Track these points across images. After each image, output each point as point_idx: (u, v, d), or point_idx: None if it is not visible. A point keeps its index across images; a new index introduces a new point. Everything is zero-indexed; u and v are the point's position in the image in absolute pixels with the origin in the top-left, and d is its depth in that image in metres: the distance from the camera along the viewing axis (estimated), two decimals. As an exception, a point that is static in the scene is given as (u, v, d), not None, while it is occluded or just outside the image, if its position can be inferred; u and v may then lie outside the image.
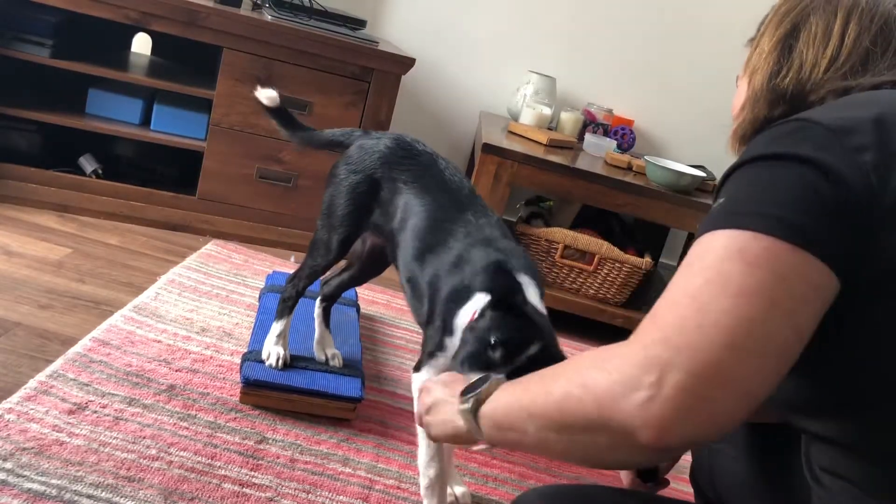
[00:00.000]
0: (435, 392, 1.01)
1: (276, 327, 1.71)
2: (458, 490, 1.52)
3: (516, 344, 1.15)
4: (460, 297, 1.31)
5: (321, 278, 1.77)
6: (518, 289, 1.27)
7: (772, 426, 1.07)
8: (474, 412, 0.86)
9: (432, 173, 1.53)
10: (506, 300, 1.22)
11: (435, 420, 0.98)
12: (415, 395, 1.37)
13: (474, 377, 0.95)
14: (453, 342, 1.31)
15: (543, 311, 1.29)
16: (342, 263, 1.73)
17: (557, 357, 1.17)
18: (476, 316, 1.25)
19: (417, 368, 1.41)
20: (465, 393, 0.90)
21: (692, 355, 0.66)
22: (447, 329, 1.32)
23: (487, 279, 1.29)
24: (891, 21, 0.90)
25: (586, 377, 0.72)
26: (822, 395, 0.78)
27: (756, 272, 0.68)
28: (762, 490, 1.08)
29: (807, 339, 0.70)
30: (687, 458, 1.25)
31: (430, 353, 1.37)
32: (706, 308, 0.67)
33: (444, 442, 0.96)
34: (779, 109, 0.92)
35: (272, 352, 1.68)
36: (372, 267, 1.77)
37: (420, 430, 1.34)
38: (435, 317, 1.37)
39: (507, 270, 1.30)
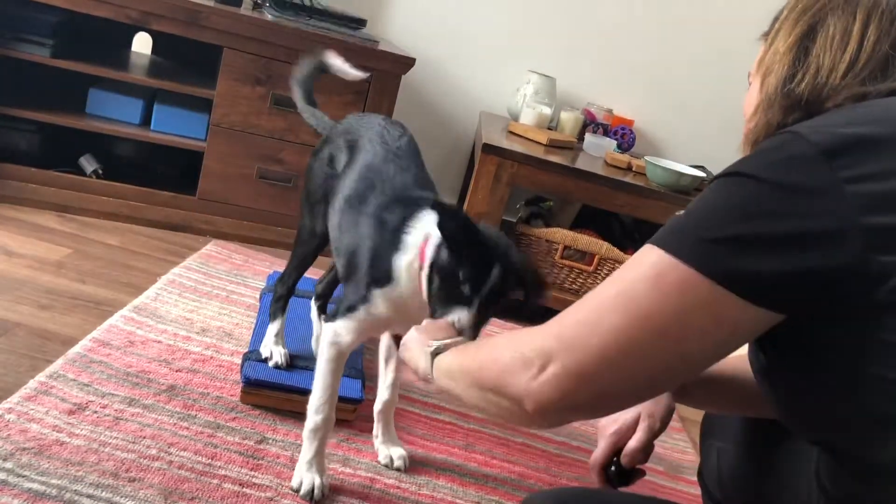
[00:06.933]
0: (412, 333, 1.16)
1: (273, 327, 1.72)
2: (395, 452, 1.57)
3: (480, 275, 1.21)
4: (394, 242, 1.33)
5: (319, 277, 1.76)
6: (460, 214, 1.24)
7: (784, 431, 1.06)
8: (433, 356, 1.04)
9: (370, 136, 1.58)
10: (456, 231, 1.21)
11: (407, 355, 1.13)
12: (323, 345, 1.40)
13: (451, 314, 1.18)
14: (389, 289, 1.33)
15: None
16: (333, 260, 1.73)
17: (518, 274, 1.25)
18: (433, 254, 1.26)
19: (332, 318, 1.41)
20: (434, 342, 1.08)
21: (570, 355, 0.77)
22: (378, 279, 1.34)
23: (424, 218, 1.32)
24: None
25: (500, 352, 0.86)
26: (858, 412, 0.76)
27: (662, 301, 0.73)
28: (769, 494, 1.07)
29: (702, 365, 0.78)
30: (695, 459, 1.25)
31: (349, 306, 1.38)
32: (601, 320, 0.76)
33: (410, 369, 1.10)
34: (794, 115, 0.87)
35: (274, 351, 1.68)
36: None
37: (318, 376, 1.40)
38: (357, 270, 1.38)
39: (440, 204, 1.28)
